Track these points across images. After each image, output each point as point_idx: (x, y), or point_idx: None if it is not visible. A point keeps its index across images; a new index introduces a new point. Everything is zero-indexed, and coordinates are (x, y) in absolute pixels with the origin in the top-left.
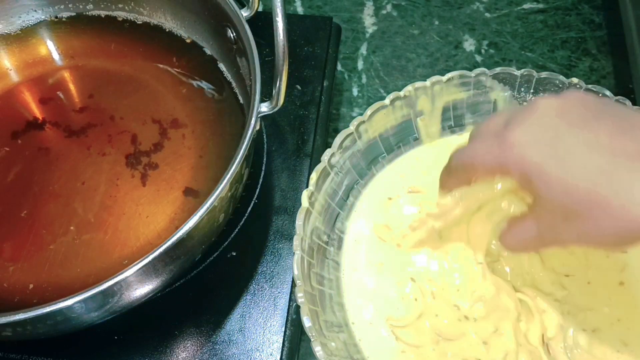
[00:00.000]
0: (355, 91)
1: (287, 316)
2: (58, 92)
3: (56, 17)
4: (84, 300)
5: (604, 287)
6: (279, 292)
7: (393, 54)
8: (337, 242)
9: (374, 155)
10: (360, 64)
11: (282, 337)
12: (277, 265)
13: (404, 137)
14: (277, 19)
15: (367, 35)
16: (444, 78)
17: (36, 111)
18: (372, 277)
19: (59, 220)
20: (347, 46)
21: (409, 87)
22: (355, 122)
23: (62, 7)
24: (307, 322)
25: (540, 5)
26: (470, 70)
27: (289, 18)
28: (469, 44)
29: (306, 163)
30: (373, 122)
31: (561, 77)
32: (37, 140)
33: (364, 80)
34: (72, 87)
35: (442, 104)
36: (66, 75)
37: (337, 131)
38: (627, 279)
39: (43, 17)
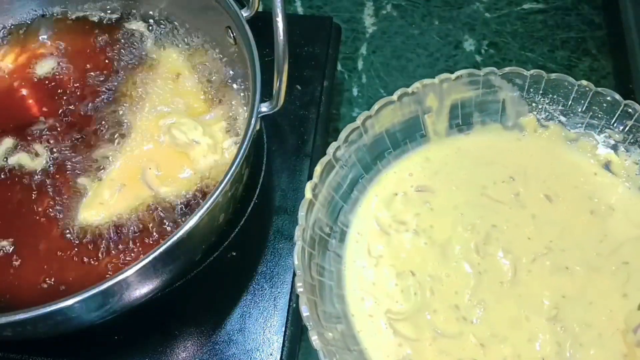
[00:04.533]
0: (355, 91)
1: (287, 316)
2: (57, 92)
3: (55, 16)
4: (84, 300)
5: (605, 300)
6: (279, 292)
7: (393, 54)
8: (339, 235)
9: (380, 151)
10: (360, 64)
11: (282, 337)
12: (277, 265)
13: (411, 133)
14: (277, 19)
15: (367, 35)
16: (453, 76)
17: (33, 110)
18: (373, 270)
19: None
20: (347, 46)
21: (417, 84)
22: (362, 117)
23: (62, 7)
24: (304, 312)
25: (540, 5)
26: None
27: (289, 18)
28: (469, 44)
29: (306, 163)
30: (380, 117)
31: (570, 79)
32: (34, 140)
33: (364, 80)
34: (70, 87)
35: (450, 102)
36: (65, 74)
37: (337, 131)
38: (630, 290)
39: (41, 13)
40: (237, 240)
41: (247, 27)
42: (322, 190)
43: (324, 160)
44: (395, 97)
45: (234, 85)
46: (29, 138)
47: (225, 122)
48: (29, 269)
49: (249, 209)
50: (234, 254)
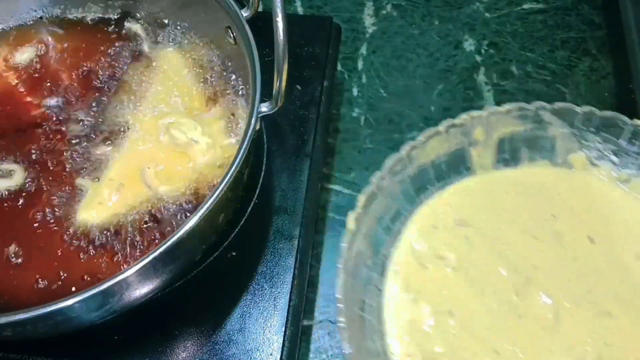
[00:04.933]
0: (355, 91)
1: (287, 316)
2: (55, 91)
3: (55, 16)
4: (84, 300)
5: None
6: (279, 292)
7: (393, 54)
8: (380, 268)
9: (424, 182)
10: (360, 64)
11: (282, 337)
12: (277, 265)
13: (455, 166)
14: (277, 19)
15: (367, 35)
16: (502, 109)
17: (31, 110)
18: (411, 306)
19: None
20: (347, 46)
21: (465, 116)
22: (407, 147)
23: (62, 7)
24: (347, 349)
25: (540, 5)
26: (470, 70)
27: (289, 18)
28: (469, 44)
29: (306, 163)
30: (426, 148)
31: (623, 118)
32: (31, 141)
33: (364, 80)
34: (70, 86)
35: (498, 136)
36: (63, 74)
37: (337, 131)
38: None
39: (41, 15)
40: (237, 240)
41: (247, 27)
42: (365, 221)
43: (367, 190)
44: (442, 128)
45: (234, 85)
46: (25, 136)
47: (224, 122)
48: (28, 270)
49: (249, 209)
50: (234, 254)
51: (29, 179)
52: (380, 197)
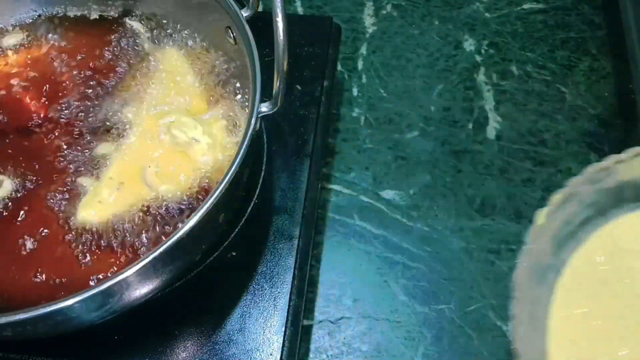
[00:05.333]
0: (355, 91)
1: (287, 316)
2: (55, 90)
3: (55, 15)
4: (84, 300)
5: None
6: (279, 292)
7: (393, 54)
8: (557, 270)
9: (619, 199)
10: (360, 64)
11: (282, 337)
12: (277, 265)
13: None
14: (277, 19)
15: (367, 35)
16: None
17: (31, 109)
18: (579, 322)
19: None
20: (347, 46)
21: None
22: (611, 159)
23: (62, 6)
24: (520, 345)
25: (540, 5)
26: (470, 70)
27: (289, 18)
28: (469, 44)
29: (306, 163)
30: (630, 165)
31: None
32: (30, 140)
33: (364, 80)
34: (70, 86)
35: None
36: (64, 73)
37: (337, 131)
38: None
39: (40, 13)
40: (237, 240)
41: (247, 27)
42: (555, 219)
43: (564, 191)
44: None
45: (234, 85)
46: (24, 135)
47: (225, 122)
48: (27, 269)
49: (249, 209)
50: (234, 254)
51: (28, 177)
52: (573, 201)
